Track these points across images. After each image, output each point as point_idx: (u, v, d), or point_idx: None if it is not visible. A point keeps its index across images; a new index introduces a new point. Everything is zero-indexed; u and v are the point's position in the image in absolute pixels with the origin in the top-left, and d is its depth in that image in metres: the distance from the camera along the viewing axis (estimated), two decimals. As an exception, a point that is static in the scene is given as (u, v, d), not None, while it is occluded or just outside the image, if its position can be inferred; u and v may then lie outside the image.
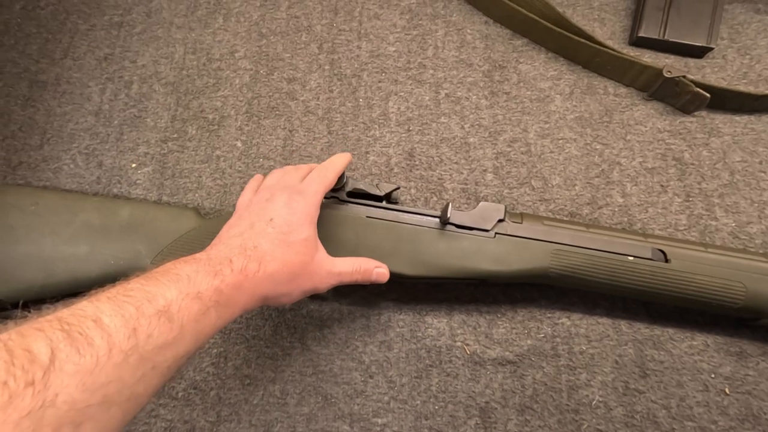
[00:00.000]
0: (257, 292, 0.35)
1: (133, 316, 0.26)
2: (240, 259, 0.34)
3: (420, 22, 0.64)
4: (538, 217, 0.47)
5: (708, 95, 0.54)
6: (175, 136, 0.59)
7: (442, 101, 0.59)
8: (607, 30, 0.62)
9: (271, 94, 0.60)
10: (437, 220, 0.46)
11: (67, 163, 0.58)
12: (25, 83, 0.62)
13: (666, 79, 0.54)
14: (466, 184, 0.55)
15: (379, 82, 0.60)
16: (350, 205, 0.47)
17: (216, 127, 0.59)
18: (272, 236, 0.37)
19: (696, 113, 0.57)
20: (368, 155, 0.57)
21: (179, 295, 0.29)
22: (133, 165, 0.57)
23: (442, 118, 0.58)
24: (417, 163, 0.56)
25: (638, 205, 0.54)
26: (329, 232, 0.46)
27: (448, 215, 0.45)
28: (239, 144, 0.58)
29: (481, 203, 0.46)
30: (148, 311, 0.27)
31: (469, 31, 0.63)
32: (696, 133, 0.57)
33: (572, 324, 0.49)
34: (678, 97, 0.56)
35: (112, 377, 0.24)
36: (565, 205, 0.54)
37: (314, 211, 0.40)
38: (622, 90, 0.59)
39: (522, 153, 0.56)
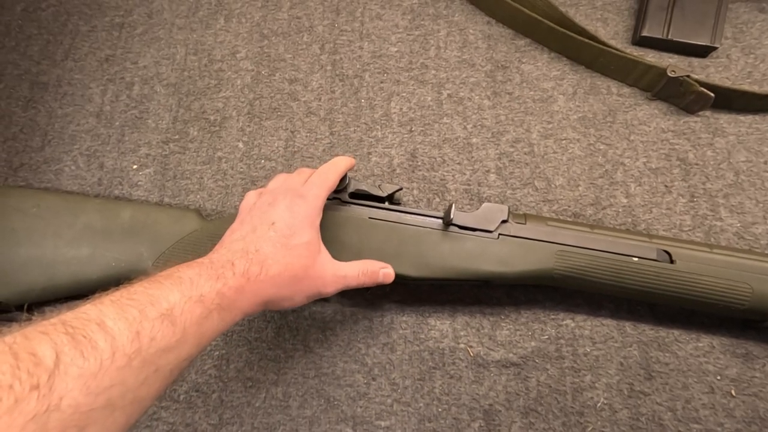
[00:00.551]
0: (259, 296, 0.35)
1: (136, 320, 0.26)
2: (242, 263, 0.34)
3: (422, 22, 0.63)
4: (541, 218, 0.47)
5: (712, 95, 0.54)
6: (177, 137, 0.58)
7: (444, 102, 0.59)
8: (611, 30, 0.62)
9: (272, 95, 0.60)
10: (440, 221, 0.46)
11: (68, 164, 0.57)
12: (26, 85, 0.62)
13: (670, 79, 0.54)
14: (468, 184, 0.55)
15: (381, 82, 0.60)
16: (353, 206, 0.47)
17: (217, 128, 0.59)
18: (274, 240, 0.37)
19: (700, 113, 0.57)
20: (370, 156, 0.57)
21: (182, 298, 0.29)
22: (135, 166, 0.57)
23: (445, 118, 0.58)
24: (419, 163, 0.56)
25: (642, 206, 0.53)
26: (332, 234, 0.46)
27: (452, 216, 0.44)
28: (241, 145, 0.58)
29: (484, 204, 0.46)
30: (151, 314, 0.27)
31: (471, 31, 0.62)
32: (700, 133, 0.57)
33: (576, 326, 0.49)
34: (682, 96, 0.56)
35: (116, 381, 0.24)
36: (569, 206, 0.54)
37: (316, 214, 0.40)
38: (626, 90, 0.59)
39: (525, 153, 0.56)
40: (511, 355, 0.48)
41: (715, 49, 0.58)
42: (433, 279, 0.45)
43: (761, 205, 0.53)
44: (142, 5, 0.66)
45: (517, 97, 0.59)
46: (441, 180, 0.55)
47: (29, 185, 0.56)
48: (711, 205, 0.53)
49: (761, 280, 0.43)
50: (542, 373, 0.47)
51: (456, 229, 0.46)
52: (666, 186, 0.54)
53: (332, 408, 0.47)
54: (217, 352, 0.49)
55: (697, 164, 0.55)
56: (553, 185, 0.54)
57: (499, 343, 0.48)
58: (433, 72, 0.61)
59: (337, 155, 0.57)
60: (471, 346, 0.48)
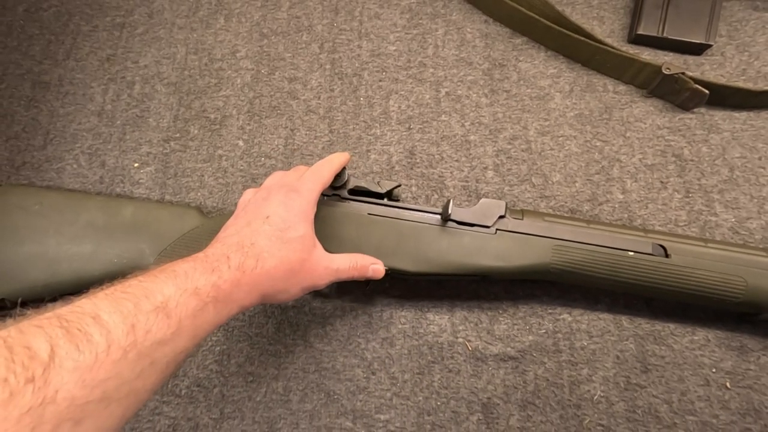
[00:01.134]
0: (255, 289, 0.35)
1: (131, 313, 0.26)
2: (237, 256, 0.34)
3: (420, 21, 0.64)
4: (538, 214, 0.47)
5: (707, 92, 0.54)
6: (178, 135, 0.59)
7: (442, 99, 0.60)
8: (606, 28, 0.63)
9: (272, 93, 0.61)
10: (438, 217, 0.47)
11: (70, 163, 0.58)
12: (28, 84, 0.62)
13: (665, 76, 0.55)
14: (466, 181, 0.55)
15: (380, 81, 0.61)
16: (352, 202, 0.48)
17: (218, 126, 0.59)
18: (269, 233, 0.37)
19: (695, 110, 0.58)
20: (369, 153, 0.57)
21: (177, 291, 0.29)
22: (136, 164, 0.58)
23: (443, 116, 0.59)
24: (418, 161, 0.57)
25: (638, 202, 0.54)
26: (331, 230, 0.46)
27: (449, 212, 0.45)
28: (241, 143, 0.58)
29: (482, 200, 0.47)
30: (146, 307, 0.27)
31: (469, 29, 0.63)
32: (695, 130, 0.57)
33: (573, 320, 0.49)
34: (677, 94, 0.56)
35: (111, 373, 0.24)
36: (566, 202, 0.54)
37: (311, 209, 0.41)
38: (622, 87, 0.59)
39: (522, 150, 0.57)
40: (509, 349, 0.48)
41: (709, 46, 0.59)
42: (432, 274, 0.46)
43: (755, 200, 0.54)
44: (143, 5, 0.66)
45: (514, 94, 0.60)
46: (439, 177, 0.56)
47: (31, 183, 0.57)
48: (706, 200, 0.54)
49: (755, 273, 0.44)
50: (540, 367, 0.48)
51: (454, 224, 0.46)
52: (662, 182, 0.55)
53: (332, 402, 0.47)
54: (219, 348, 0.50)
55: (692, 160, 0.56)
56: (550, 181, 0.55)
57: (497, 337, 0.49)
58: (432, 70, 0.61)
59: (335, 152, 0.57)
60: (469, 341, 0.49)
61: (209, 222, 0.50)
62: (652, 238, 0.45)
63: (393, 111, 0.59)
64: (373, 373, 0.48)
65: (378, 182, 0.48)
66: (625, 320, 0.49)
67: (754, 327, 0.48)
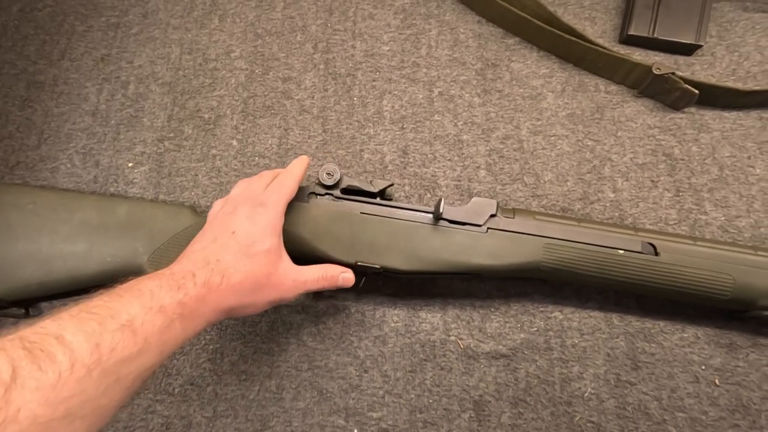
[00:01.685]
0: (221, 304, 0.35)
1: (96, 332, 0.27)
2: (203, 273, 0.35)
3: (414, 21, 0.64)
4: (529, 212, 0.48)
5: (697, 92, 0.55)
6: (172, 135, 0.59)
7: (435, 99, 0.60)
8: (598, 28, 0.63)
9: (266, 93, 0.61)
10: (431, 215, 0.47)
11: (64, 162, 0.58)
12: (22, 84, 0.62)
13: (656, 76, 0.55)
14: (459, 180, 0.56)
15: (374, 81, 0.61)
16: (345, 201, 0.48)
17: (212, 126, 0.59)
18: (234, 248, 0.37)
19: (686, 110, 0.58)
20: (363, 153, 0.57)
21: (142, 309, 0.30)
22: (130, 164, 0.58)
23: (436, 116, 0.59)
24: (411, 160, 0.57)
25: (629, 200, 0.54)
26: (324, 229, 0.46)
27: (441, 210, 0.45)
28: (235, 143, 0.59)
29: (473, 199, 0.47)
30: (111, 326, 0.28)
31: (462, 30, 0.64)
32: (686, 129, 0.58)
33: (565, 318, 0.50)
34: (668, 93, 0.57)
35: (75, 391, 0.24)
36: (558, 201, 0.55)
37: (277, 221, 0.41)
38: (613, 87, 0.60)
39: (514, 150, 0.57)
40: (500, 347, 0.49)
41: (700, 47, 0.60)
42: (424, 272, 0.46)
43: (745, 198, 0.54)
44: (138, 5, 0.66)
45: (506, 94, 0.60)
46: (432, 176, 0.56)
47: (25, 183, 0.57)
48: (696, 199, 0.54)
49: (743, 271, 0.44)
50: (531, 365, 0.48)
51: (446, 223, 0.47)
52: (652, 181, 0.55)
53: (325, 400, 0.47)
54: (212, 346, 0.50)
55: (682, 159, 0.56)
56: (542, 181, 0.56)
57: (489, 335, 0.49)
58: (425, 70, 0.62)
59: (329, 153, 0.58)
60: (461, 339, 0.49)
61: (202, 221, 0.50)
62: (641, 237, 0.46)
63: (386, 111, 0.60)
64: (366, 371, 0.48)
65: (371, 181, 0.49)
66: (615, 318, 0.50)
67: (742, 324, 0.49)
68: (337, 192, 0.49)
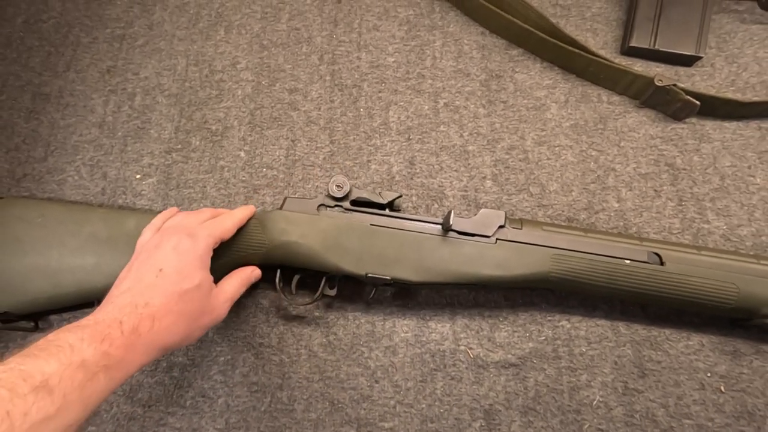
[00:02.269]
0: (153, 346, 0.35)
1: (5, 399, 0.26)
2: (131, 319, 0.34)
3: (418, 33, 0.65)
4: (537, 223, 0.48)
5: (698, 103, 0.56)
6: (179, 147, 0.59)
7: (441, 110, 0.61)
8: (600, 40, 0.64)
9: (273, 104, 0.61)
10: (439, 227, 0.47)
11: (71, 174, 0.58)
12: (28, 96, 0.62)
13: (657, 88, 0.56)
14: (466, 191, 0.56)
15: (379, 92, 0.62)
16: (354, 213, 0.49)
17: (219, 137, 0.60)
18: (163, 289, 0.36)
19: (687, 120, 0.59)
20: (370, 164, 0.58)
21: (60, 366, 0.29)
22: (138, 176, 0.58)
23: (442, 126, 0.60)
24: (418, 171, 0.58)
25: (633, 210, 0.55)
26: (334, 241, 0.47)
27: (451, 222, 0.46)
28: (243, 154, 0.59)
29: (482, 210, 0.48)
30: (22, 390, 0.27)
31: (466, 41, 0.64)
32: (687, 139, 0.59)
33: (572, 326, 0.50)
34: (669, 104, 0.58)
35: None
36: (563, 211, 0.55)
37: (206, 254, 0.40)
38: (616, 98, 0.61)
39: (520, 160, 0.58)
40: (509, 356, 0.49)
41: (699, 58, 0.61)
42: (433, 283, 0.47)
43: (746, 207, 0.55)
44: (143, 17, 0.67)
45: (511, 105, 0.61)
46: (439, 187, 0.57)
47: (32, 195, 0.57)
48: (698, 208, 0.55)
49: (747, 280, 0.45)
50: (540, 373, 0.49)
51: (455, 234, 0.47)
52: (655, 190, 0.56)
53: (337, 411, 0.48)
54: (222, 358, 0.50)
55: (684, 169, 0.57)
56: (547, 191, 0.56)
57: (498, 344, 0.50)
58: (430, 81, 0.62)
59: (337, 164, 0.58)
60: (471, 348, 0.50)
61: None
62: (647, 247, 0.47)
63: (393, 122, 0.60)
64: (377, 382, 0.49)
65: (379, 193, 0.49)
66: (622, 326, 0.50)
67: (746, 331, 0.50)
68: (346, 204, 0.49)
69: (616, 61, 0.60)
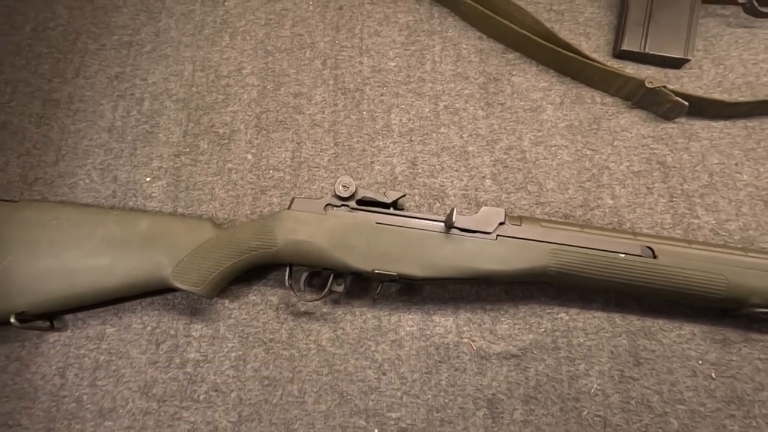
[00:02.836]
0: None
1: None
2: None
3: (418, 38, 0.67)
4: (535, 220, 0.51)
5: (686, 103, 0.59)
6: (188, 150, 0.61)
7: (441, 113, 0.63)
8: (593, 44, 0.67)
9: (278, 108, 0.63)
10: (442, 224, 0.49)
11: (82, 178, 0.60)
12: (38, 102, 0.64)
13: (648, 89, 0.59)
14: (466, 190, 0.59)
15: (381, 95, 0.64)
16: (360, 212, 0.50)
17: (227, 141, 0.62)
18: None
19: (676, 120, 0.62)
20: (373, 165, 0.60)
21: None
22: (148, 179, 0.60)
23: (442, 128, 0.62)
24: (420, 171, 0.60)
25: (627, 206, 0.58)
26: (341, 239, 0.49)
27: (453, 220, 0.48)
28: (250, 157, 0.61)
29: (483, 208, 0.50)
30: None
31: (464, 46, 0.67)
32: (677, 138, 0.61)
33: (570, 318, 0.53)
34: (659, 105, 0.61)
35: None
36: (560, 208, 0.58)
37: None
38: (609, 99, 0.63)
39: (518, 160, 0.60)
40: (511, 347, 0.51)
41: (688, 61, 0.64)
42: (437, 278, 0.49)
43: (734, 203, 0.58)
44: (149, 24, 0.68)
45: (508, 107, 0.63)
46: (440, 186, 0.59)
47: (45, 199, 0.59)
48: (688, 204, 0.58)
49: (735, 272, 0.48)
50: (540, 363, 0.51)
51: (457, 231, 0.49)
52: (647, 188, 0.59)
53: (346, 402, 0.50)
54: (234, 354, 0.52)
55: (674, 167, 0.60)
56: (544, 189, 0.59)
57: (500, 336, 0.52)
58: (430, 85, 0.65)
59: (341, 165, 0.60)
60: (474, 341, 0.52)
61: (223, 233, 0.52)
62: (640, 241, 0.49)
63: (395, 124, 0.62)
64: (384, 374, 0.51)
65: (384, 192, 0.51)
66: (617, 318, 0.53)
67: (735, 321, 0.52)
68: (352, 203, 0.51)
69: (609, 64, 0.62)
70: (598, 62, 0.61)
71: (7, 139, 0.62)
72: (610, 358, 0.51)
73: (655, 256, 0.48)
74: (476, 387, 0.50)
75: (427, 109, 0.63)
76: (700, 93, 0.61)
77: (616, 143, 0.61)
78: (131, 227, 0.52)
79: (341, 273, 0.51)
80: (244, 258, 0.50)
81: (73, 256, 0.50)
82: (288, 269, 0.51)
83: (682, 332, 0.52)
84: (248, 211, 0.58)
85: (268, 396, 0.50)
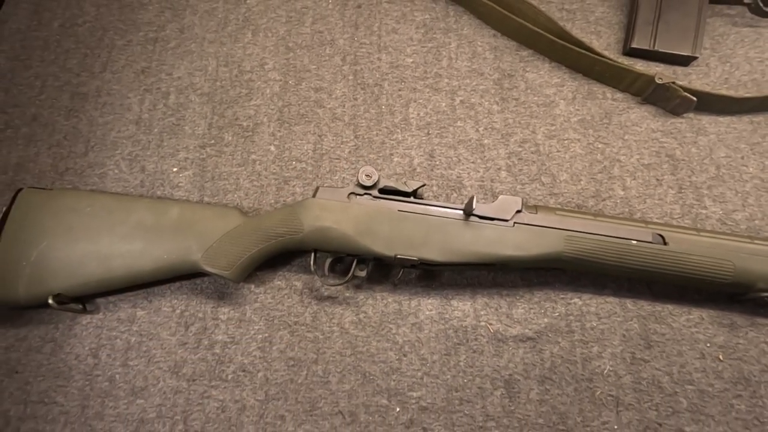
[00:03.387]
0: None
1: None
2: None
3: (434, 35, 0.70)
4: (551, 208, 0.53)
5: (695, 99, 0.61)
6: (213, 142, 0.63)
7: (457, 107, 0.65)
8: (603, 42, 0.69)
9: (300, 102, 0.66)
10: (462, 212, 0.52)
11: (111, 168, 0.62)
12: (66, 95, 0.66)
13: (658, 85, 0.61)
14: (482, 181, 0.61)
15: (399, 90, 0.66)
16: (383, 200, 0.53)
17: (250, 133, 0.64)
18: None
19: (685, 115, 0.64)
20: (392, 157, 0.62)
21: None
22: (175, 169, 0.62)
23: (458, 122, 0.64)
24: (437, 163, 0.62)
25: (637, 197, 0.60)
26: (366, 226, 0.51)
27: (473, 207, 0.50)
28: (273, 148, 0.63)
29: (501, 196, 0.52)
30: None
31: (479, 43, 0.69)
32: (685, 133, 0.64)
33: (583, 303, 0.55)
34: (668, 100, 0.63)
35: None
36: (572, 198, 0.60)
37: None
38: (619, 95, 0.66)
39: (532, 152, 0.62)
40: (526, 330, 0.54)
41: (696, 58, 0.66)
42: (457, 263, 0.51)
43: (740, 194, 0.60)
44: (174, 21, 0.71)
45: (522, 102, 0.65)
46: (457, 177, 0.61)
47: (75, 188, 0.61)
48: (696, 195, 0.60)
49: (742, 258, 0.50)
50: (555, 346, 0.53)
51: (476, 218, 0.51)
52: (657, 179, 0.61)
53: (368, 382, 0.52)
54: (261, 336, 0.54)
55: (683, 160, 0.62)
56: (558, 180, 0.61)
57: (516, 320, 0.54)
58: (446, 80, 0.67)
59: (361, 157, 0.62)
60: (491, 324, 0.54)
61: (250, 221, 0.54)
62: (651, 229, 0.51)
63: (413, 118, 0.64)
64: (405, 355, 0.53)
65: (405, 182, 0.54)
66: (629, 302, 0.55)
67: (742, 305, 0.54)
68: (374, 192, 0.53)
69: (619, 61, 0.65)
70: (609, 59, 0.64)
71: (38, 131, 0.64)
72: (622, 341, 0.53)
73: (665, 243, 0.50)
74: (493, 368, 0.52)
75: (443, 104, 0.65)
76: (707, 89, 0.63)
77: (626, 137, 0.63)
78: (162, 214, 0.54)
79: (364, 258, 0.53)
80: (270, 244, 0.52)
81: (108, 241, 0.53)
82: (313, 255, 0.53)
83: (691, 317, 0.54)
84: (272, 201, 0.60)
85: (294, 376, 0.52)
